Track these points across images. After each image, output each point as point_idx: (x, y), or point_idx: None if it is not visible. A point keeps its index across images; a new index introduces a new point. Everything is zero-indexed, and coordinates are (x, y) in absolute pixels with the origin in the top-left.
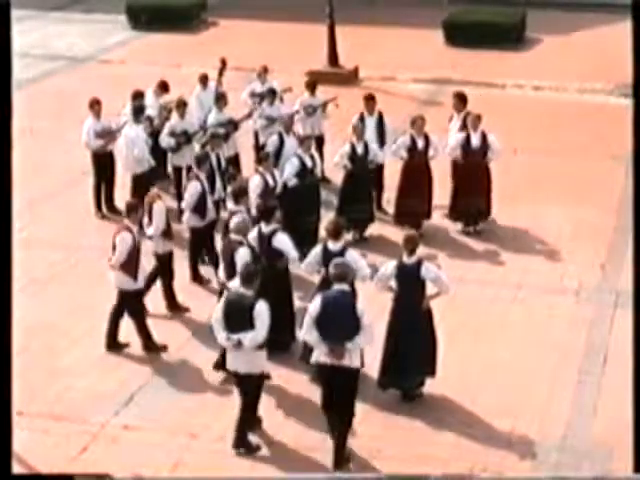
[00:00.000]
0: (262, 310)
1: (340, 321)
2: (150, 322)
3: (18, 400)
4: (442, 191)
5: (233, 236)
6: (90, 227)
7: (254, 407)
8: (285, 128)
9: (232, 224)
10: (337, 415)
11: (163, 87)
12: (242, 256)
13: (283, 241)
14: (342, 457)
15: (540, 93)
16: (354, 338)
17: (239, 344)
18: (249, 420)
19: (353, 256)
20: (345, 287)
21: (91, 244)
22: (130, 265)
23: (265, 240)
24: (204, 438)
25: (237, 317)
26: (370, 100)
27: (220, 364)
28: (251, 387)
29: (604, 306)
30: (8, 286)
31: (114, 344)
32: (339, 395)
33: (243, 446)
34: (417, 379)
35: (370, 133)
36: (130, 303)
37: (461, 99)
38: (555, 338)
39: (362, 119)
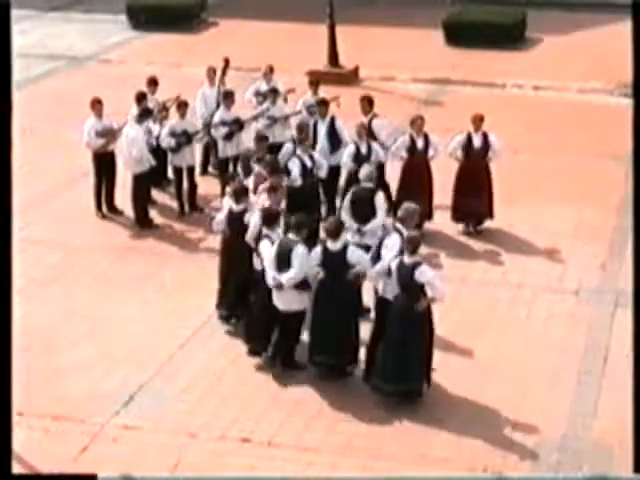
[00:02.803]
0: (299, 252)
1: None
2: (151, 321)
3: (18, 400)
4: (442, 191)
5: (364, 184)
6: (90, 227)
7: (291, 338)
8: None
9: (362, 175)
10: None
11: (153, 83)
12: (380, 200)
13: (263, 250)
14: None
15: (540, 93)
16: None
17: (280, 285)
18: (282, 348)
19: (355, 253)
20: None
21: (91, 244)
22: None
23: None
24: (204, 438)
25: (282, 259)
26: (322, 104)
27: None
28: (290, 322)
29: (604, 306)
30: (8, 286)
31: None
32: None
33: (291, 366)
34: (414, 384)
35: (322, 137)
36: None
37: (368, 102)
38: (555, 338)
39: (315, 125)
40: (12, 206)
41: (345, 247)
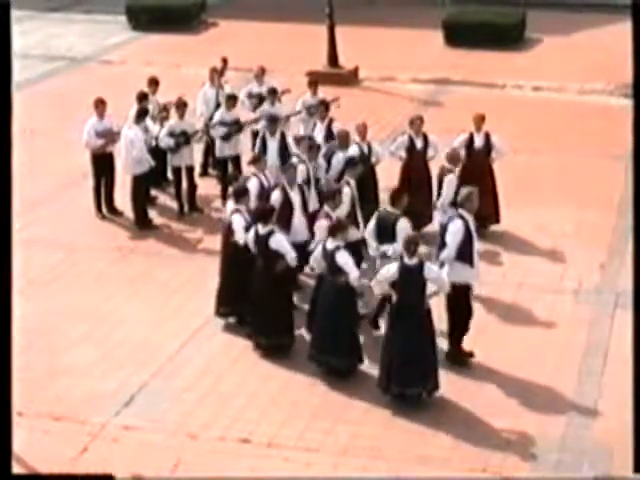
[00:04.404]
0: (402, 226)
1: None
2: (151, 321)
3: (18, 401)
4: None
5: (446, 164)
6: (90, 228)
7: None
8: (270, 131)
9: (446, 155)
10: None
11: (154, 83)
12: (451, 181)
13: (280, 242)
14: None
15: (540, 93)
16: None
17: (384, 255)
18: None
19: (342, 257)
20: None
21: (91, 245)
22: None
23: (262, 241)
24: (204, 438)
25: (385, 232)
26: (272, 122)
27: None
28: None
29: (604, 306)
30: (8, 287)
31: None
32: None
33: None
34: (422, 385)
35: (272, 155)
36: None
37: (325, 107)
38: (555, 338)
39: (264, 141)
40: (12, 206)
41: (336, 249)
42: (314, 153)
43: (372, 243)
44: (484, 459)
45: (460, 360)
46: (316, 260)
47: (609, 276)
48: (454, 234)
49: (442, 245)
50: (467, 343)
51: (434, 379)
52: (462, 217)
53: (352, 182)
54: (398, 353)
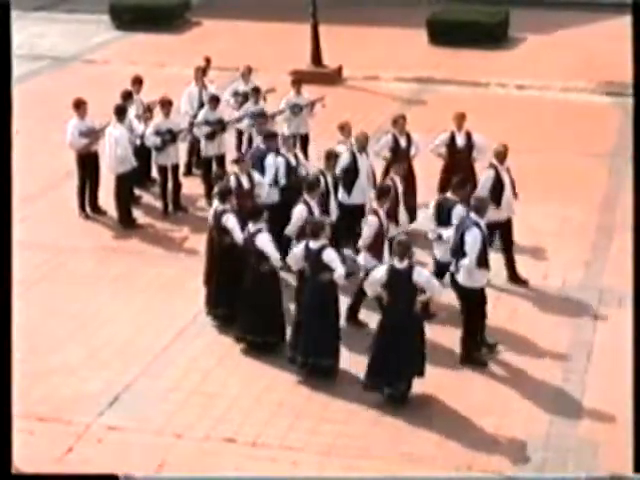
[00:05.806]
0: (458, 212)
1: None
2: (136, 321)
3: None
4: (427, 190)
5: (493, 161)
6: (74, 228)
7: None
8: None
9: (495, 151)
10: None
11: (138, 82)
12: (487, 177)
13: (263, 241)
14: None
15: (524, 92)
16: None
17: (439, 237)
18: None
19: (330, 255)
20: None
21: (76, 245)
22: (376, 246)
23: (251, 239)
24: (189, 438)
25: (441, 218)
26: (270, 138)
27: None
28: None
29: (587, 304)
30: (8, 290)
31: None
32: None
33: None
34: (406, 383)
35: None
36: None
37: (264, 117)
38: (539, 336)
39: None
40: (12, 208)
41: (322, 247)
42: (332, 163)
43: (430, 226)
44: (470, 457)
45: (480, 360)
46: (294, 258)
47: (593, 273)
48: (473, 244)
49: (456, 248)
50: (453, 342)
51: (408, 381)
52: (477, 224)
53: (397, 179)
54: (386, 354)
